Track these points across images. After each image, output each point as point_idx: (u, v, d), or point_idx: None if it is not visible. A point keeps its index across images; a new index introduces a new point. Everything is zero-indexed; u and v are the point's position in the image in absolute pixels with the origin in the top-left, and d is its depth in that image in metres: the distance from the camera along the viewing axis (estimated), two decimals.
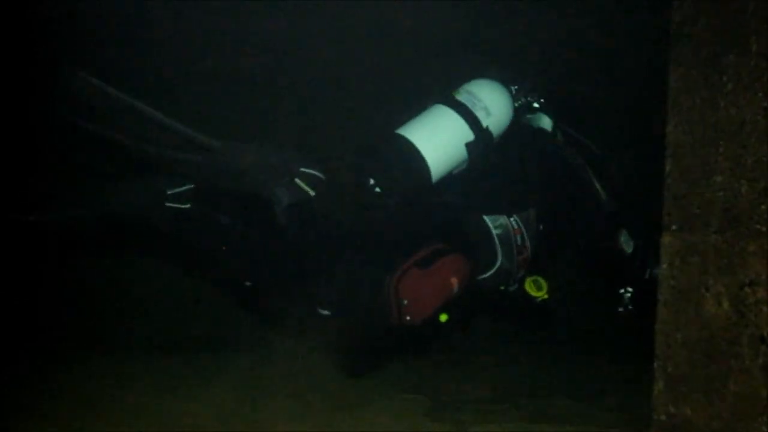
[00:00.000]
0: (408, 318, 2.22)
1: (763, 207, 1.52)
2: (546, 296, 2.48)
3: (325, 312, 2.33)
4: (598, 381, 2.95)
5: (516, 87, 2.49)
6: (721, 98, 1.63)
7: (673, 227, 1.77)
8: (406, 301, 2.19)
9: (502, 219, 2.43)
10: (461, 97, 2.39)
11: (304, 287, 2.33)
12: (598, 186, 2.53)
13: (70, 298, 3.58)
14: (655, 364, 1.82)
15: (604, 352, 3.16)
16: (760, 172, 1.53)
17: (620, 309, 2.69)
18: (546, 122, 2.57)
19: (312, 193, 2.08)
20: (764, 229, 1.52)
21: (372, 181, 2.26)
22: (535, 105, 2.52)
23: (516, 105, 2.47)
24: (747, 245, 1.55)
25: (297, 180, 2.08)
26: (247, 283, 2.37)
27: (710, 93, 1.66)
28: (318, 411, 2.77)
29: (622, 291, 2.60)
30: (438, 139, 2.31)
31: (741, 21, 1.58)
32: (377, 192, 2.26)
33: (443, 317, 2.30)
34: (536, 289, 2.48)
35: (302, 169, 2.10)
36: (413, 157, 2.25)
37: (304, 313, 3.08)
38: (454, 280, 2.26)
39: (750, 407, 1.53)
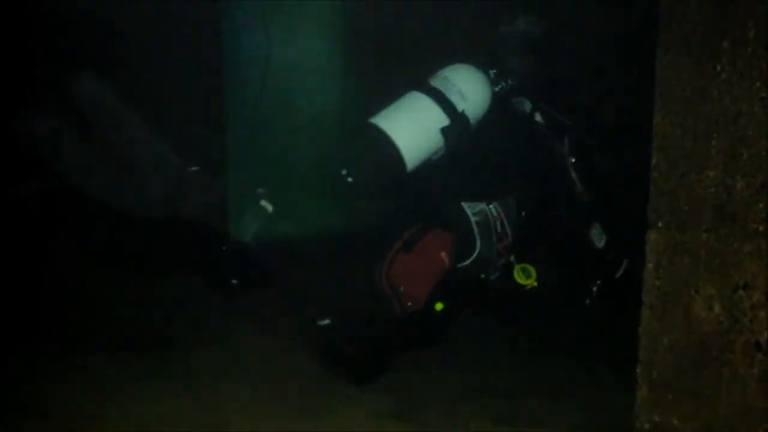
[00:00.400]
0: (410, 304, 2.22)
1: (760, 205, 1.42)
2: (535, 284, 2.43)
3: (326, 321, 2.30)
4: (572, 379, 2.84)
5: (495, 71, 2.42)
6: (714, 88, 1.52)
7: (660, 224, 1.67)
8: (402, 288, 2.20)
9: (481, 206, 2.38)
10: (436, 82, 2.35)
11: (293, 295, 2.33)
12: (573, 175, 2.47)
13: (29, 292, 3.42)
14: (638, 369, 1.73)
15: (581, 348, 3.06)
16: (757, 168, 1.43)
17: (587, 301, 2.65)
18: (528, 105, 2.51)
19: (270, 208, 2.12)
20: (761, 228, 1.42)
21: (344, 172, 2.20)
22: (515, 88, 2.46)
23: (496, 89, 2.40)
24: (742, 245, 1.45)
25: (262, 202, 2.15)
26: (234, 281, 2.37)
27: (702, 82, 1.55)
28: (280, 413, 2.64)
29: (591, 285, 2.56)
30: (411, 125, 2.26)
31: (737, 4, 1.47)
32: (350, 182, 2.20)
33: (439, 306, 2.29)
34: (525, 277, 2.44)
35: (259, 190, 2.15)
36: (385, 145, 2.19)
37: (276, 310, 3.02)
38: (444, 254, 2.28)
39: (744, 419, 1.44)
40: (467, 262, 2.38)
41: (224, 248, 2.38)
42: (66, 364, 2.91)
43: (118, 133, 2.28)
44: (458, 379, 2.83)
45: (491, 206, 2.41)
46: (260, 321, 3.23)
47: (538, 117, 2.52)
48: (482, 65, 2.46)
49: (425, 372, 2.88)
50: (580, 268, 2.74)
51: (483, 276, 2.44)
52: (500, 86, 2.44)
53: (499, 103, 2.44)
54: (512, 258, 2.45)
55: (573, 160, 2.50)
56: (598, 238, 2.64)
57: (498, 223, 2.40)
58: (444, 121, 2.31)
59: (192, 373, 2.93)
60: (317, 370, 2.91)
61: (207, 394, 2.75)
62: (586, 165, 2.51)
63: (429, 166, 2.34)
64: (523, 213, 2.46)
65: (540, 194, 2.50)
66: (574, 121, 2.57)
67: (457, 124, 2.32)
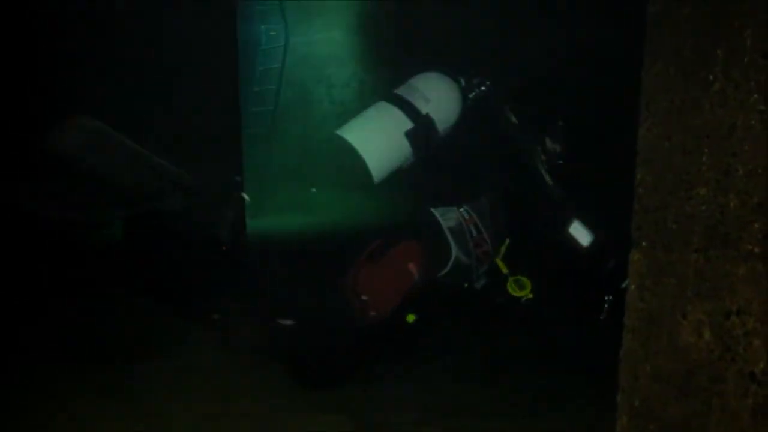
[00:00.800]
0: (373, 314, 2.20)
1: (756, 225, 1.32)
2: (530, 295, 2.37)
3: (287, 322, 2.26)
4: (549, 399, 2.72)
5: (465, 78, 2.39)
6: (706, 99, 1.43)
7: (644, 244, 1.57)
8: (365, 297, 2.17)
9: (452, 211, 2.35)
10: (399, 90, 2.35)
11: (258, 299, 2.31)
12: (543, 171, 2.42)
13: None
14: (619, 397, 1.63)
15: (572, 366, 2.94)
16: (753, 185, 1.34)
17: (601, 317, 2.57)
18: (502, 108, 2.49)
19: (247, 199, 2.14)
20: (757, 250, 1.32)
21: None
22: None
23: (470, 96, 2.37)
24: (735, 268, 1.36)
25: (243, 194, 2.16)
26: (215, 317, 2.39)
27: (693, 93, 1.45)
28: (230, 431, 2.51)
29: (605, 298, 2.48)
30: (375, 134, 2.25)
31: (733, 10, 1.38)
32: (313, 191, 2.19)
33: (410, 318, 2.26)
34: (519, 288, 2.37)
35: (237, 177, 2.15)
36: (348, 154, 2.14)
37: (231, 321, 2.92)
38: (412, 266, 2.27)
39: None
40: (446, 270, 2.35)
41: (224, 248, 2.34)
42: (19, 375, 2.83)
43: (107, 162, 2.22)
44: (424, 396, 2.71)
45: (462, 210, 2.38)
46: (219, 330, 3.11)
47: (512, 118, 2.49)
48: (451, 73, 2.45)
49: (390, 389, 2.76)
50: (568, 269, 2.66)
51: (466, 285, 2.40)
52: (474, 93, 2.40)
53: (472, 109, 2.40)
54: (504, 269, 2.38)
55: (544, 158, 2.47)
56: (581, 235, 2.56)
57: (472, 226, 2.37)
58: (408, 125, 2.33)
59: (142, 387, 2.82)
60: (272, 386, 2.79)
61: (156, 408, 2.64)
62: (559, 162, 2.46)
63: (400, 173, 2.30)
64: (500, 217, 2.43)
65: (512, 193, 2.47)
66: (549, 121, 2.53)
67: (420, 126, 2.33)
